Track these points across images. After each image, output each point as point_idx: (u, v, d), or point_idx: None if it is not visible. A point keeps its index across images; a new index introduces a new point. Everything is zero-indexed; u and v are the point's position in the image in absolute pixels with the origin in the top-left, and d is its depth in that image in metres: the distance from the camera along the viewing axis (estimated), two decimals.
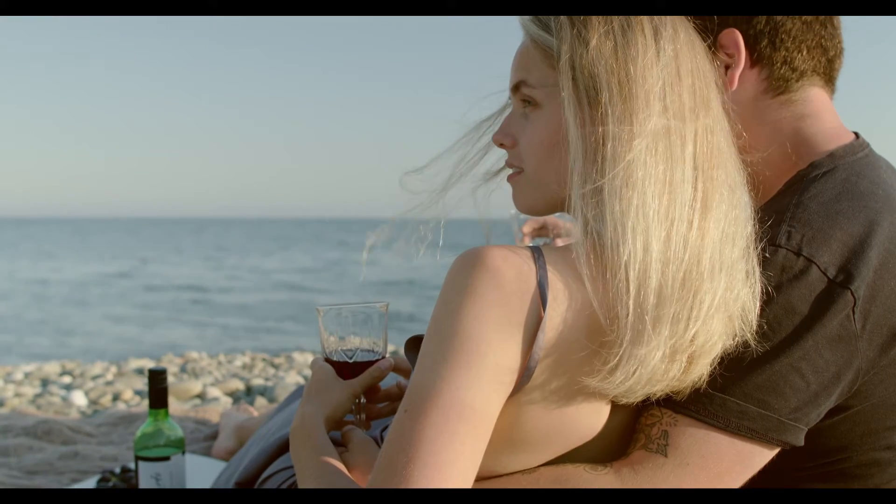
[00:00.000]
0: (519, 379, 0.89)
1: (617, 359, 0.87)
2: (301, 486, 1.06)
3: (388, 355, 1.26)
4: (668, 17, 0.96)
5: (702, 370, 0.93)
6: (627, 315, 0.87)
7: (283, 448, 1.70)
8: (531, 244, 1.75)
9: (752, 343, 0.94)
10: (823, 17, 1.10)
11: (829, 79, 1.14)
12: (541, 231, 1.81)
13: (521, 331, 0.87)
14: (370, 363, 1.21)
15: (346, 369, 1.21)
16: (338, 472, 1.01)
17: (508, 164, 1.08)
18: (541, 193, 1.03)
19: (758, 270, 0.94)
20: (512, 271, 0.87)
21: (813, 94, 1.12)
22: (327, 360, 1.23)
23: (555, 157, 0.98)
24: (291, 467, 1.58)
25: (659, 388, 0.92)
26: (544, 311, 0.88)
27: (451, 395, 0.85)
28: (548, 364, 0.89)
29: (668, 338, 0.88)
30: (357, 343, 1.23)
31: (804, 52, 1.10)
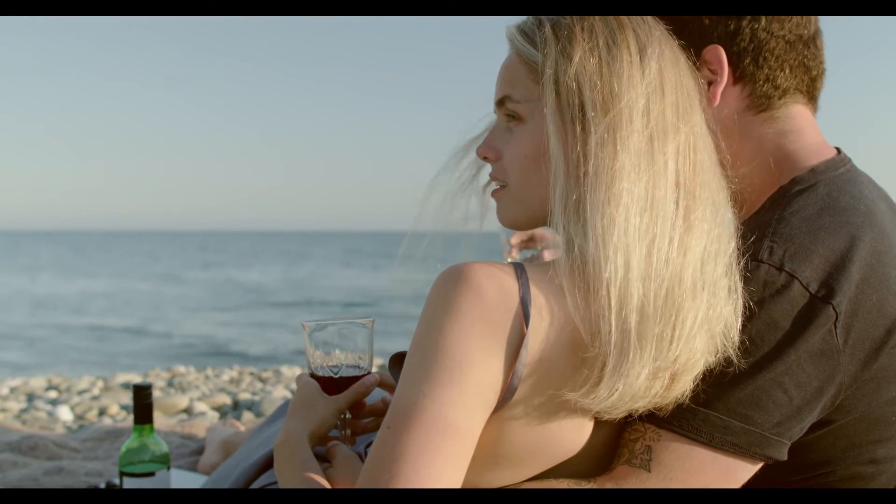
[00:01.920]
0: (502, 395, 0.89)
1: (599, 375, 0.87)
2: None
3: (373, 371, 1.25)
4: (654, 33, 0.97)
5: (684, 387, 0.93)
6: (610, 332, 0.87)
7: (269, 463, 1.69)
8: (519, 256, 1.76)
9: (735, 359, 0.94)
10: (807, 36, 1.11)
11: (811, 97, 1.15)
12: (529, 243, 1.81)
13: (504, 348, 0.87)
14: (355, 378, 1.21)
15: (331, 385, 1.20)
16: (321, 487, 1.01)
17: (492, 178, 1.08)
18: (524, 208, 1.03)
19: (740, 287, 0.94)
20: (494, 288, 0.87)
21: (795, 112, 1.13)
22: (312, 375, 1.22)
23: (538, 172, 0.98)
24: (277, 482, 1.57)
25: (641, 405, 0.92)
26: (527, 327, 0.88)
27: (434, 411, 0.84)
28: (531, 380, 0.89)
29: (652, 357, 0.88)
30: (342, 358, 1.22)
31: (787, 71, 1.11)
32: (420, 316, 0.90)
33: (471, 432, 0.87)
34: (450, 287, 0.88)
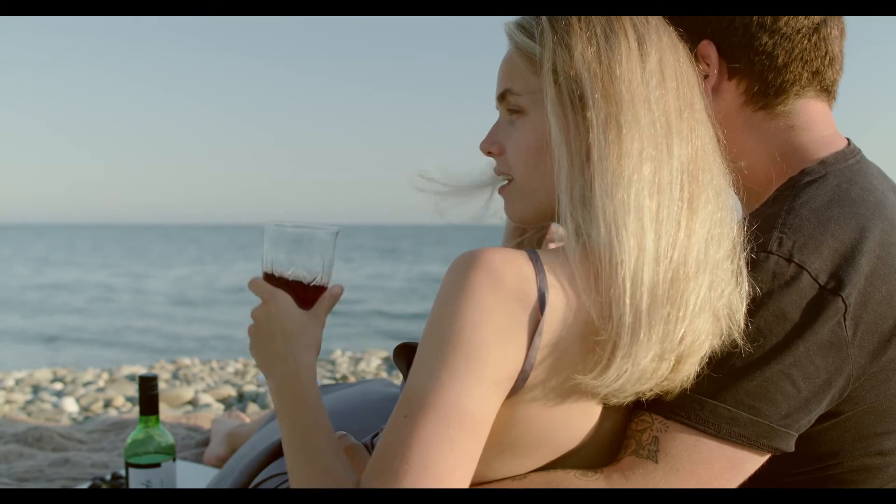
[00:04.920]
0: (515, 382, 0.89)
1: (610, 357, 0.88)
2: (294, 458, 0.98)
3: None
4: (651, 22, 0.97)
5: (690, 369, 0.93)
6: (623, 315, 0.87)
7: (274, 454, 1.69)
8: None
9: (741, 345, 0.94)
10: (807, 28, 1.08)
11: (821, 88, 1.12)
12: None
13: (520, 335, 0.87)
14: (322, 288, 1.10)
15: (303, 292, 1.08)
16: (341, 459, 0.97)
17: (497, 172, 1.08)
18: (530, 201, 1.03)
19: (745, 271, 0.95)
20: (512, 275, 0.87)
21: (799, 106, 1.11)
22: (274, 279, 1.09)
23: (542, 164, 0.98)
24: (283, 474, 1.57)
25: (648, 387, 0.92)
26: (542, 314, 0.87)
27: (451, 401, 0.84)
28: (543, 367, 0.89)
29: (660, 338, 0.88)
30: (307, 265, 1.10)
31: (779, 68, 1.09)
32: (435, 301, 0.90)
33: (486, 422, 0.87)
34: (466, 273, 0.87)
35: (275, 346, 1.04)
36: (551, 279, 0.89)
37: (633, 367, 0.88)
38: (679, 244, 0.90)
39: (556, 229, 1.76)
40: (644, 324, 0.87)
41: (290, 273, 1.08)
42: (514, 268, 0.87)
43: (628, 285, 0.87)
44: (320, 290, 1.09)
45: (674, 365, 0.92)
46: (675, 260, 0.89)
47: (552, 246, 1.72)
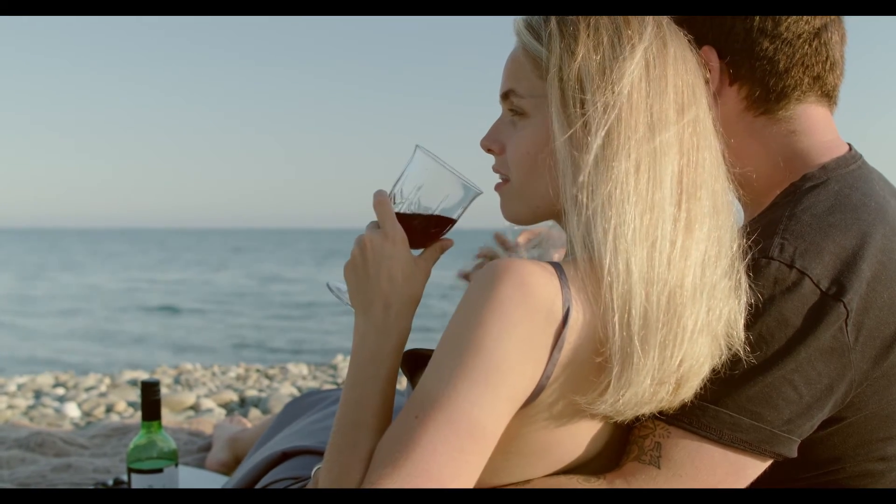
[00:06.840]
0: (529, 396, 0.89)
1: (608, 381, 0.87)
2: (340, 417, 0.97)
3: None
4: (660, 31, 0.96)
5: (691, 391, 0.93)
6: (614, 337, 0.86)
7: (277, 460, 1.69)
8: (526, 256, 1.75)
9: (743, 355, 0.94)
10: (808, 33, 1.08)
11: (822, 93, 1.12)
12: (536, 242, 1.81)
13: (542, 351, 0.86)
14: (436, 239, 1.05)
15: (419, 236, 1.03)
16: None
17: (495, 171, 1.07)
18: (526, 203, 1.03)
19: (745, 283, 0.94)
20: (541, 290, 0.86)
21: (800, 112, 1.11)
22: (407, 216, 1.03)
23: (540, 169, 0.98)
24: (287, 479, 1.57)
25: (647, 410, 0.92)
26: (564, 330, 0.87)
27: (465, 411, 0.84)
28: (558, 383, 0.89)
29: (657, 365, 0.87)
30: (438, 210, 1.04)
31: (780, 73, 1.09)
32: (459, 307, 0.89)
33: (495, 436, 0.86)
34: (496, 284, 0.86)
35: (377, 289, 1.00)
36: (574, 294, 0.88)
37: (630, 393, 0.87)
38: (675, 265, 0.88)
39: (560, 235, 1.76)
40: (637, 348, 0.86)
41: (418, 209, 1.02)
42: (543, 282, 0.86)
43: (617, 307, 0.86)
44: (434, 238, 1.05)
45: (674, 389, 0.91)
46: (670, 282, 0.88)
47: (556, 254, 1.72)
